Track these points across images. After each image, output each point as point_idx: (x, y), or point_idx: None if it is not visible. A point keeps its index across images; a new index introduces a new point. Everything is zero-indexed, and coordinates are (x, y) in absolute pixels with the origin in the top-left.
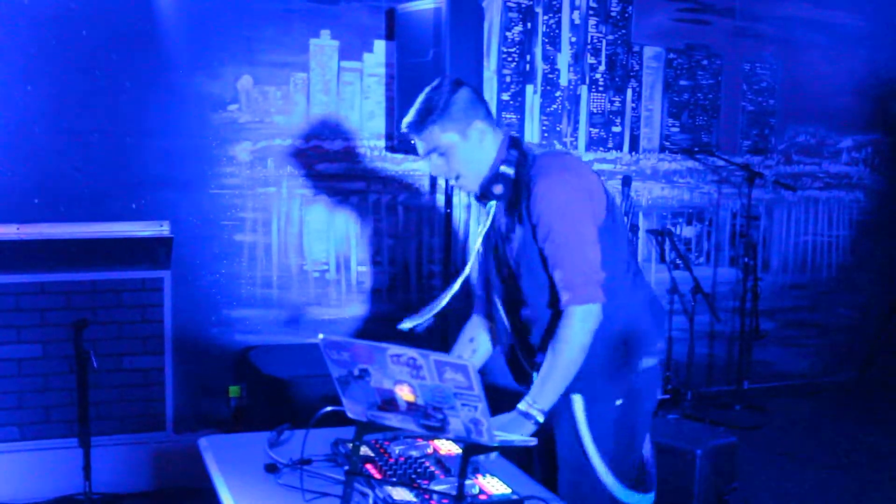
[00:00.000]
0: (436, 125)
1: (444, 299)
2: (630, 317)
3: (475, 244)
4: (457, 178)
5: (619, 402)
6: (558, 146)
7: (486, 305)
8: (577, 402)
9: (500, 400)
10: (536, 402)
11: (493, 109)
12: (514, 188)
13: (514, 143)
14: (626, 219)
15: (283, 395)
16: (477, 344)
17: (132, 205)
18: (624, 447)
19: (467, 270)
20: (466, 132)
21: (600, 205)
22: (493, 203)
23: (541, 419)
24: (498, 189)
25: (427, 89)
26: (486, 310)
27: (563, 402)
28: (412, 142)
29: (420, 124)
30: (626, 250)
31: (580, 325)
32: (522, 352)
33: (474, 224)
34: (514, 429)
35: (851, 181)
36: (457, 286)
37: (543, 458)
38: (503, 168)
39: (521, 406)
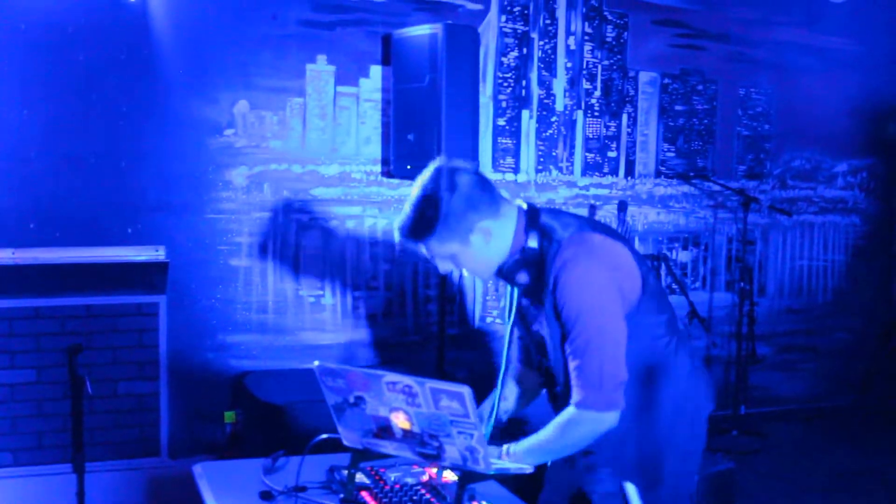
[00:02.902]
0: (432, 239)
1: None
2: (674, 394)
3: (506, 322)
4: (469, 273)
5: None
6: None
7: (520, 370)
8: (631, 490)
9: None
10: (515, 453)
11: (489, 135)
12: (537, 274)
13: (532, 220)
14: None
15: (278, 421)
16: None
17: (128, 229)
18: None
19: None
20: (469, 239)
21: (633, 289)
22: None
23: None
24: (522, 278)
25: (420, 185)
26: (518, 375)
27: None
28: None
29: (415, 238)
30: (666, 322)
31: (588, 430)
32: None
33: None
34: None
35: (847, 205)
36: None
37: None
38: (526, 253)
39: (504, 449)
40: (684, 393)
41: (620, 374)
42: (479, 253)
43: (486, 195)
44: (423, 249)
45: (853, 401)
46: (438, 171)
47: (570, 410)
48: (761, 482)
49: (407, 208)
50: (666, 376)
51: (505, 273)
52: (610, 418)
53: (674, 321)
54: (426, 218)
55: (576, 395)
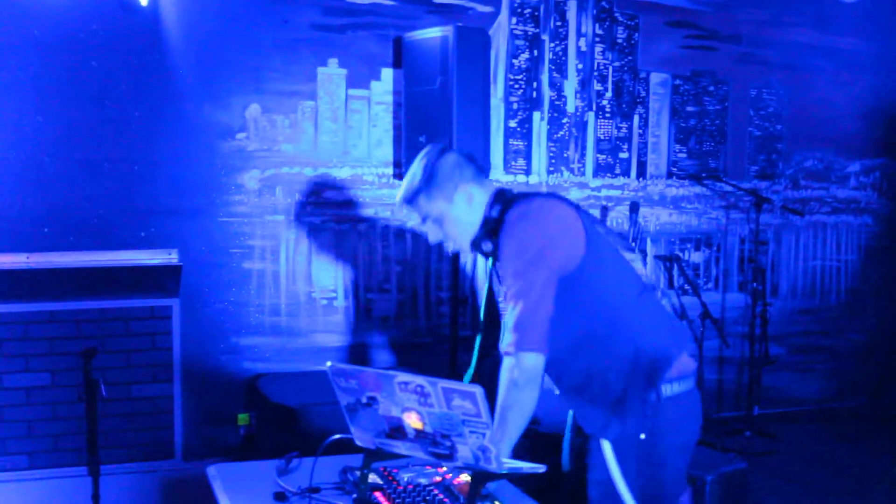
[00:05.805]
0: (421, 194)
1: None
2: (637, 344)
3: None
4: (452, 242)
5: (642, 436)
6: (549, 187)
7: None
8: (607, 448)
9: None
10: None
11: (500, 137)
12: (495, 238)
13: (499, 196)
14: (633, 244)
15: (291, 422)
16: None
17: (141, 233)
18: (654, 486)
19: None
20: (453, 196)
21: (574, 246)
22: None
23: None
24: (487, 246)
25: (416, 160)
26: None
27: (595, 446)
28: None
29: (409, 197)
30: (622, 276)
31: (517, 374)
32: None
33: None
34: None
35: (859, 206)
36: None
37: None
38: (489, 222)
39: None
40: (646, 340)
41: (544, 323)
42: (461, 215)
43: (472, 167)
44: (415, 217)
45: (866, 402)
46: (430, 146)
47: (506, 368)
48: (774, 483)
49: (407, 175)
50: (623, 322)
51: (474, 242)
52: (533, 360)
53: (631, 275)
54: (417, 180)
55: (506, 341)
